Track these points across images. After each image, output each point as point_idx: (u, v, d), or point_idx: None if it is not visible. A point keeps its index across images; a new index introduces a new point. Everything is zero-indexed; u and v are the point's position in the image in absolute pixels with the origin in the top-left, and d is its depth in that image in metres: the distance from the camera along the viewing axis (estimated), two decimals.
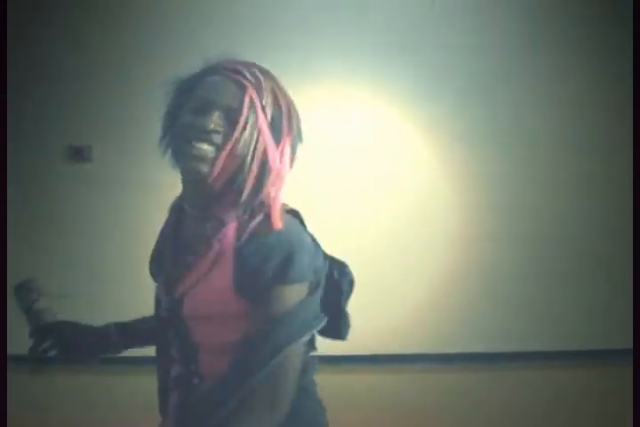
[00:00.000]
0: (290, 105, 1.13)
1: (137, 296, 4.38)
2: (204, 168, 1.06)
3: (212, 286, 1.11)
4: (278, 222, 1.08)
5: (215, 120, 1.06)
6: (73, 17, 4.26)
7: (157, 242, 1.28)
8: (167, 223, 1.25)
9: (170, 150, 1.16)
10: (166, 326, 1.22)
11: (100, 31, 4.25)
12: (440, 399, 3.41)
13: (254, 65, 1.13)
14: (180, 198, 1.23)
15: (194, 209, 1.16)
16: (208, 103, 1.07)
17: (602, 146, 4.47)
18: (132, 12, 4.28)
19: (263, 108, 1.07)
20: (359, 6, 4.32)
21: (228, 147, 1.07)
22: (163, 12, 4.29)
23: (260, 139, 1.08)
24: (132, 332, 1.46)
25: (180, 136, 1.09)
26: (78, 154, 4.22)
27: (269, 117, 1.09)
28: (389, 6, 4.34)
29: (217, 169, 1.08)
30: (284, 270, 1.08)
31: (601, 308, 4.33)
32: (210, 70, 1.12)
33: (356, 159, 4.26)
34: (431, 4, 4.36)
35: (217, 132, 1.06)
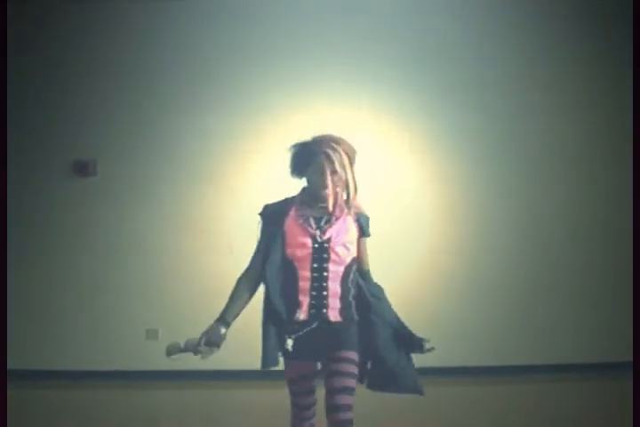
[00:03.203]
0: (353, 153, 2.19)
1: (140, 307, 4.40)
2: (328, 193, 2.17)
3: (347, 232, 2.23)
4: (363, 210, 2.28)
5: (329, 177, 2.15)
6: (78, 32, 4.32)
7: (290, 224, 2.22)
8: (298, 215, 2.22)
9: (306, 186, 2.25)
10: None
11: (104, 47, 4.32)
12: (437, 412, 3.41)
13: (335, 140, 2.17)
14: (301, 208, 2.23)
15: (317, 213, 2.23)
16: (323, 169, 2.15)
17: (601, 159, 4.50)
18: (135, 28, 4.35)
19: (345, 164, 2.18)
20: (361, 21, 4.38)
21: (339, 185, 2.19)
22: (166, 28, 4.35)
23: (349, 177, 2.18)
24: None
25: (314, 182, 2.18)
26: (83, 168, 4.26)
27: (349, 167, 2.19)
28: (393, 21, 4.41)
29: (334, 195, 2.19)
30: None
31: (602, 323, 4.36)
32: (314, 148, 2.16)
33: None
34: (434, 18, 4.45)
35: (332, 182, 2.17)
